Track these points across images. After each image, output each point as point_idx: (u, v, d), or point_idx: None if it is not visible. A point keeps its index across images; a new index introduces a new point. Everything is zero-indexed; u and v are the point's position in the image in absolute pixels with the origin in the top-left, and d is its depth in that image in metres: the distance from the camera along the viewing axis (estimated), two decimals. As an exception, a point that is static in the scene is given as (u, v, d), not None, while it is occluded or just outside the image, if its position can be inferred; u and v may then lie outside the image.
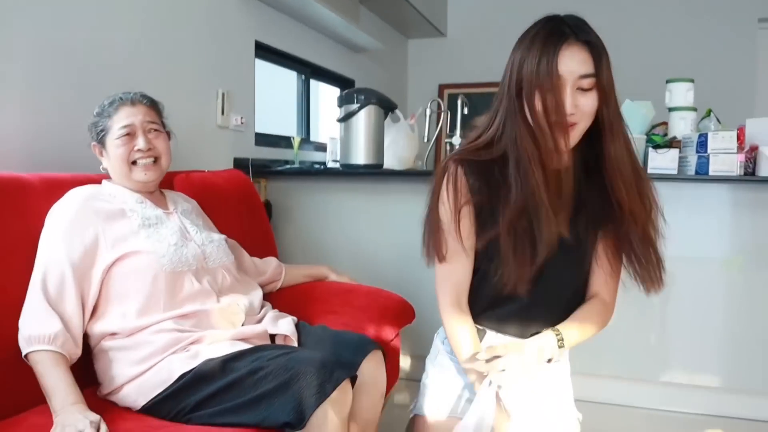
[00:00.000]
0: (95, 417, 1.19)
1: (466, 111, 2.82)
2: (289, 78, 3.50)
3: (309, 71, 3.55)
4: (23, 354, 1.29)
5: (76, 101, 1.85)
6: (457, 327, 1.35)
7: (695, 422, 2.31)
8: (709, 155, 2.12)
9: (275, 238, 2.83)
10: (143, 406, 1.33)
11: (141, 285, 1.40)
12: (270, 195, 2.85)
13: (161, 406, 1.31)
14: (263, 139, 3.01)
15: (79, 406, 1.23)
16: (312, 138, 3.68)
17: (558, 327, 1.33)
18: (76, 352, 1.34)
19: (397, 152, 3.31)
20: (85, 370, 1.43)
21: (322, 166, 3.07)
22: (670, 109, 2.44)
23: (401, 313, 1.89)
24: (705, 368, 2.38)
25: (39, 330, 1.29)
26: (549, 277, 1.31)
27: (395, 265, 2.68)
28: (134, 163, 1.51)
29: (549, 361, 1.33)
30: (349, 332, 1.56)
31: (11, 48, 1.68)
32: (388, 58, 4.54)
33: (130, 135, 1.50)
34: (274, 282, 1.89)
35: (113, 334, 1.39)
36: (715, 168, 2.12)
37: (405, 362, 2.72)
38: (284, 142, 3.18)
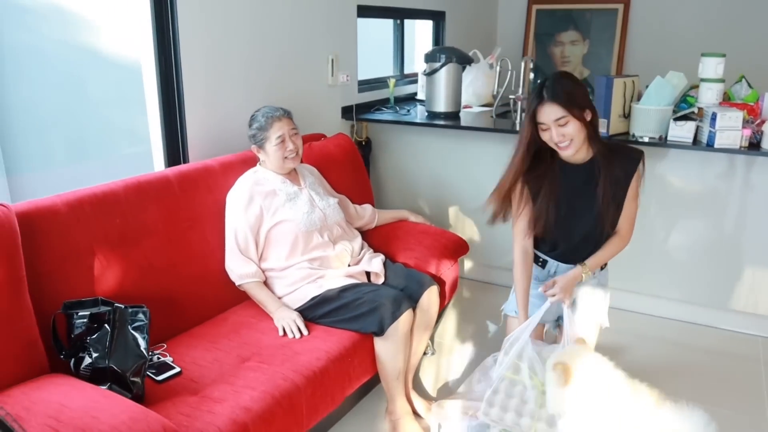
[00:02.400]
0: (296, 313, 2.12)
1: (531, 66, 3.34)
2: (385, 23, 4.08)
3: (403, 15, 4.10)
4: (237, 284, 2.23)
5: (229, 93, 2.63)
6: (517, 281, 2.17)
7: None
8: (716, 131, 2.63)
9: (373, 169, 3.63)
10: (292, 312, 2.23)
11: (287, 240, 2.25)
12: (370, 133, 3.61)
13: (302, 313, 2.20)
14: (365, 85, 3.69)
15: (285, 307, 2.17)
16: (407, 70, 4.30)
17: (586, 262, 2.12)
18: (264, 278, 2.26)
19: (477, 90, 3.93)
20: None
21: (411, 107, 3.74)
22: (702, 80, 2.88)
23: (458, 249, 2.67)
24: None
25: (246, 270, 2.21)
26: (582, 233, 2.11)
27: (465, 194, 3.42)
28: (285, 157, 2.30)
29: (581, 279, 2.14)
30: (417, 272, 2.37)
31: (193, 66, 2.46)
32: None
33: (283, 141, 2.28)
34: (369, 224, 2.71)
35: (272, 269, 2.27)
36: (720, 142, 2.63)
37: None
38: (382, 84, 3.85)
